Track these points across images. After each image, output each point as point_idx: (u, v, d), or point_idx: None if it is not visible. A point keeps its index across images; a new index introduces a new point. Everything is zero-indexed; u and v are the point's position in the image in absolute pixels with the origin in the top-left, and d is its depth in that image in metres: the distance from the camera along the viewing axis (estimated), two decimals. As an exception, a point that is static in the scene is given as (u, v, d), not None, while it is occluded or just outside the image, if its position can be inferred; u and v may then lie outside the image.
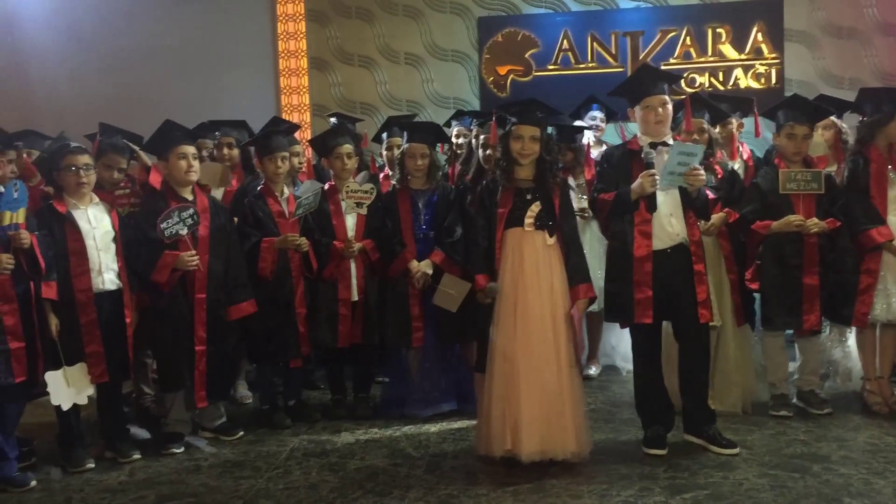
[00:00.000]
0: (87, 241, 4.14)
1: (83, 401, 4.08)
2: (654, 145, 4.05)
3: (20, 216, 3.88)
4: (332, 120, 6.62)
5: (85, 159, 4.19)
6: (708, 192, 4.12)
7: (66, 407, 4.04)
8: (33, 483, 3.96)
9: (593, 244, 5.28)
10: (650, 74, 4.22)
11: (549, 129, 4.31)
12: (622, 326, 4.34)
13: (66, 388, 4.01)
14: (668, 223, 4.02)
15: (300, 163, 5.43)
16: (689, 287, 4.04)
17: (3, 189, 3.89)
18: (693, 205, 4.04)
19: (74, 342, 4.09)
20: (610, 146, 4.83)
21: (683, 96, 4.88)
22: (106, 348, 4.16)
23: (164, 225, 4.21)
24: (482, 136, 4.91)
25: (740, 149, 5.26)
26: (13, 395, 3.95)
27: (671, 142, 4.09)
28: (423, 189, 4.87)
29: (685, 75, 7.56)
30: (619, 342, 5.72)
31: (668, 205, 4.02)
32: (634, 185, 3.96)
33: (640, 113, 4.10)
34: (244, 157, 5.50)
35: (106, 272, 4.18)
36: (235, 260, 4.52)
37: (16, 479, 3.95)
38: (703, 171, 3.94)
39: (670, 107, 4.09)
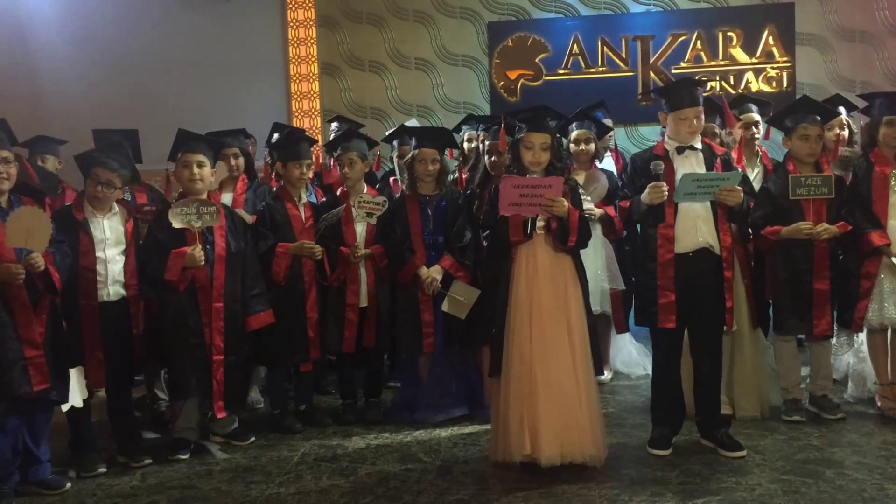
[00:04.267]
0: (97, 250, 4.14)
1: (79, 403, 4.09)
2: (681, 149, 4.06)
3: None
4: (334, 125, 6.44)
5: (107, 176, 4.14)
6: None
7: (65, 409, 4.04)
8: (68, 485, 3.97)
9: (597, 247, 5.25)
10: (689, 87, 4.17)
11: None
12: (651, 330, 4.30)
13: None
14: (694, 227, 4.02)
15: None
16: (712, 292, 4.04)
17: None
18: (736, 217, 4.09)
19: (77, 347, 4.08)
20: (638, 152, 4.72)
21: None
22: (107, 356, 4.15)
23: (177, 210, 4.20)
24: (488, 142, 4.91)
25: (759, 153, 5.24)
26: (37, 403, 3.90)
27: (698, 145, 4.10)
28: (432, 194, 4.86)
29: (695, 79, 7.51)
30: (619, 351, 5.73)
31: (695, 209, 4.02)
32: (643, 195, 3.98)
33: (672, 122, 4.09)
34: (248, 163, 5.43)
35: (112, 284, 4.17)
36: (252, 269, 4.51)
37: (51, 481, 3.96)
38: (739, 189, 3.94)
39: (703, 117, 4.11)
